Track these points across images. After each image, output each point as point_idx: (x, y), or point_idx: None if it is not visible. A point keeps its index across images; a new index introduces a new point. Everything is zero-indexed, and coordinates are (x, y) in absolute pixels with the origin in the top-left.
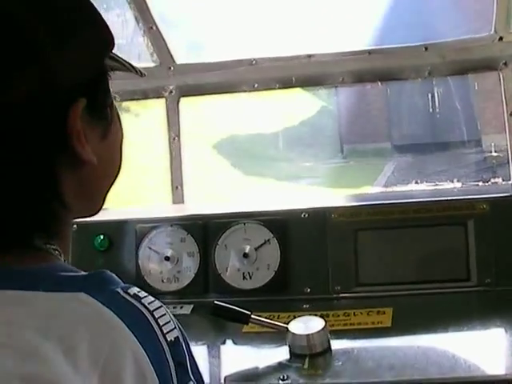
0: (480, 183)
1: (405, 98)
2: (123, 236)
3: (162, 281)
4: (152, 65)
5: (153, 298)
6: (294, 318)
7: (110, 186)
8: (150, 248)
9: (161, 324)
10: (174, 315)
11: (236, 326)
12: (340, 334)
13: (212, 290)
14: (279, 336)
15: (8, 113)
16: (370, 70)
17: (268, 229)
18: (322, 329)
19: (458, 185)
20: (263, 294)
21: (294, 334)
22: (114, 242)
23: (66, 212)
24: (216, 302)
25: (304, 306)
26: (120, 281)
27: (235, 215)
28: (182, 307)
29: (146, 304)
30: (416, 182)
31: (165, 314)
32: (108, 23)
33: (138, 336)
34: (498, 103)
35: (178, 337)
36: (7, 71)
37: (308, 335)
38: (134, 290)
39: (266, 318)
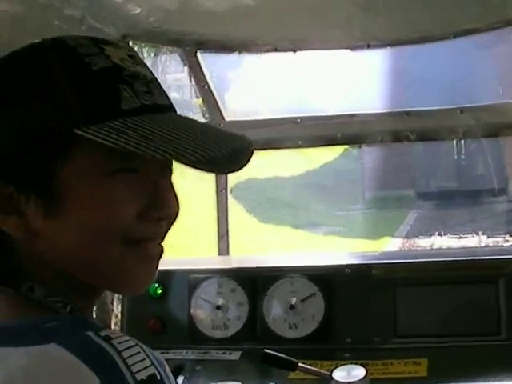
0: (507, 236)
1: (429, 143)
2: (176, 285)
3: (213, 328)
4: (203, 121)
5: (126, 338)
6: (337, 366)
7: (106, 263)
8: (201, 298)
9: (130, 364)
10: (223, 361)
11: (282, 372)
12: (379, 382)
13: (259, 338)
14: (323, 383)
15: None
16: (407, 131)
17: (313, 283)
18: (364, 377)
19: (484, 238)
20: (307, 343)
21: (337, 381)
22: (167, 290)
23: (54, 276)
24: (266, 350)
25: (345, 355)
26: (94, 324)
27: (283, 269)
28: (230, 353)
29: (116, 344)
30: (439, 234)
31: (138, 353)
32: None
33: (101, 378)
34: None
35: (153, 374)
36: None
37: (351, 383)
38: (106, 332)
39: (310, 365)
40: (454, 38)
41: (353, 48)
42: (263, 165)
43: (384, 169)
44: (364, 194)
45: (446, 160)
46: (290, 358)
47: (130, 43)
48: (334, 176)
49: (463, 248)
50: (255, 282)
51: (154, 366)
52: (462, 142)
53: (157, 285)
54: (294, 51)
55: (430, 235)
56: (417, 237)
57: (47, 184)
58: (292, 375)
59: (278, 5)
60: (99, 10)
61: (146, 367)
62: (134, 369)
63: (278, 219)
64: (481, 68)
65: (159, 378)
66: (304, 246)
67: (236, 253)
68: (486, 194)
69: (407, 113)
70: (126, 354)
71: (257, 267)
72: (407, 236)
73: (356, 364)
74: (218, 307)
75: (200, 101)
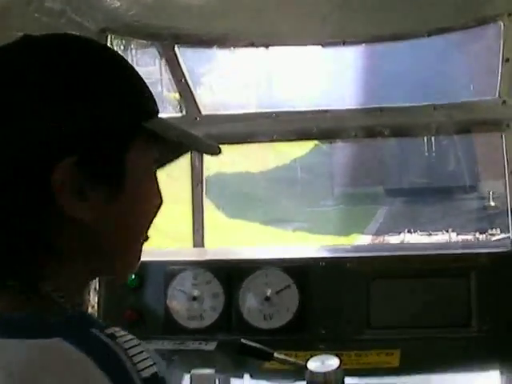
0: (477, 234)
1: (401, 139)
2: (153, 276)
3: (189, 319)
4: (179, 115)
5: (130, 337)
6: (311, 356)
7: (126, 252)
8: (177, 289)
9: (135, 361)
10: (199, 351)
11: (258, 362)
12: (353, 372)
13: (234, 328)
14: (297, 373)
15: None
16: (381, 127)
17: (288, 275)
18: (338, 367)
19: (454, 235)
20: (282, 334)
21: (312, 371)
22: (144, 282)
23: (69, 263)
24: (242, 340)
25: (320, 345)
26: (98, 321)
27: (258, 261)
28: (206, 344)
29: (121, 342)
30: (409, 231)
31: (141, 352)
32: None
33: (110, 375)
34: (498, 148)
35: (155, 373)
36: None
37: (325, 373)
38: (111, 329)
39: (285, 355)
40: (428, 36)
41: (328, 44)
42: (233, 160)
43: (354, 165)
44: (333, 190)
45: (417, 157)
46: (265, 348)
47: (109, 37)
48: (304, 171)
49: (436, 243)
50: (231, 274)
51: (156, 365)
52: (433, 139)
53: (134, 276)
54: (270, 46)
55: (400, 232)
56: (386, 234)
57: (115, 172)
58: (267, 365)
59: (256, 0)
60: (79, 3)
61: (150, 366)
62: (139, 367)
63: (246, 215)
64: (454, 65)
65: (161, 376)
66: (273, 242)
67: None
68: (456, 191)
69: (381, 109)
70: (131, 353)
71: (232, 259)
72: (377, 233)
73: (330, 354)
74: (194, 298)
75: (172, 95)
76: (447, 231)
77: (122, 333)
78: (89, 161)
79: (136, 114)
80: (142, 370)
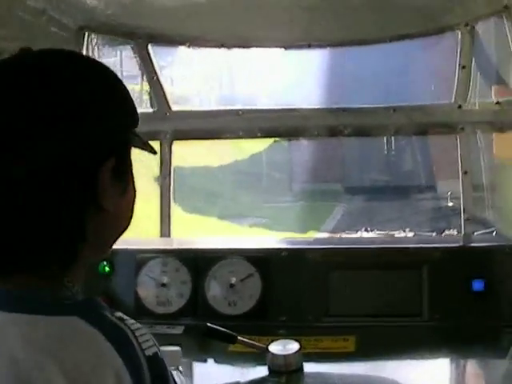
0: (434, 234)
1: (360, 138)
2: (123, 263)
3: (157, 304)
4: (150, 110)
5: (134, 321)
6: (272, 341)
7: (119, 236)
8: (147, 275)
9: (140, 341)
10: (167, 335)
11: (222, 345)
12: (311, 357)
13: (201, 314)
14: (259, 356)
15: (47, 169)
16: (343, 126)
17: (252, 264)
18: (298, 351)
19: (410, 235)
20: (245, 320)
21: (273, 354)
22: (114, 268)
23: (84, 252)
24: (209, 324)
25: (280, 331)
26: (107, 306)
27: (224, 251)
28: (174, 328)
29: (129, 325)
30: (366, 230)
31: (145, 334)
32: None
33: (120, 351)
34: (454, 148)
35: (156, 352)
36: (48, 134)
37: (285, 355)
38: (119, 313)
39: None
40: (390, 41)
41: (294, 47)
42: (192, 153)
43: (314, 162)
44: (291, 186)
45: (376, 155)
46: (230, 331)
47: (86, 34)
48: (262, 167)
49: (392, 237)
50: (198, 262)
51: (156, 346)
52: (393, 138)
53: (105, 262)
54: (239, 47)
55: (357, 230)
56: (343, 231)
57: (128, 170)
58: (232, 348)
59: (227, 3)
60: (59, 2)
61: (151, 346)
62: (144, 346)
63: (203, 209)
64: (414, 68)
65: (160, 356)
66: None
67: None
68: (414, 190)
69: (343, 109)
70: (137, 333)
71: (200, 248)
72: (334, 230)
73: (290, 339)
74: (163, 285)
75: (132, 86)
76: (404, 231)
77: (127, 317)
78: (119, 162)
79: (136, 122)
80: (146, 348)
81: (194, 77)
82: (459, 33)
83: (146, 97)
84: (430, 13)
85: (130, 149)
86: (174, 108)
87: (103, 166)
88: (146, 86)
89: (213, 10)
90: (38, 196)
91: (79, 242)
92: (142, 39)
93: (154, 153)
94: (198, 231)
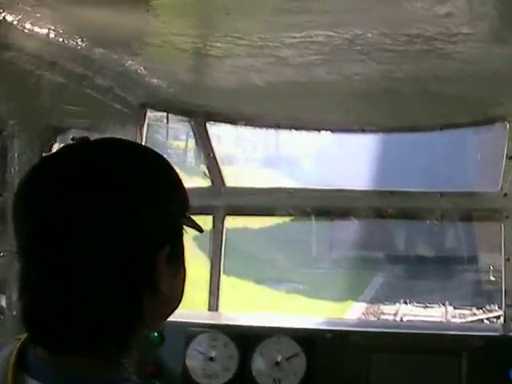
0: (474, 309)
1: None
2: (174, 335)
3: (204, 377)
4: (206, 186)
5: None
6: None
7: (172, 312)
8: (196, 349)
9: None
10: None
11: None
12: None
13: None
14: None
15: (111, 258)
16: (390, 209)
17: (298, 343)
18: None
19: (450, 309)
20: None
21: None
22: (166, 339)
23: (140, 331)
24: None
25: None
26: None
27: (272, 329)
28: None
29: None
30: (405, 302)
31: None
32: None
33: None
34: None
35: None
36: (111, 225)
37: None
38: None
39: None
40: (441, 130)
41: (348, 131)
42: None
43: (354, 228)
44: (331, 252)
45: (419, 226)
46: None
47: (148, 111)
48: (302, 232)
49: (432, 321)
50: (246, 339)
51: None
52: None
53: (156, 334)
54: (294, 129)
55: (395, 302)
56: (382, 302)
57: (181, 253)
58: None
59: (284, 88)
60: (125, 80)
61: None
62: None
63: (240, 273)
64: (460, 155)
65: None
66: (266, 304)
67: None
68: (455, 261)
69: (391, 192)
70: None
71: (248, 326)
72: (371, 301)
73: None
74: (211, 359)
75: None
76: (444, 304)
77: None
78: (173, 247)
79: (188, 208)
80: None
81: (240, 137)
82: (508, 124)
83: (190, 156)
84: (481, 104)
85: (182, 233)
86: (229, 184)
87: (160, 253)
88: (191, 144)
89: (271, 93)
90: (100, 282)
91: (137, 325)
92: (200, 117)
93: (201, 231)
94: (232, 295)
